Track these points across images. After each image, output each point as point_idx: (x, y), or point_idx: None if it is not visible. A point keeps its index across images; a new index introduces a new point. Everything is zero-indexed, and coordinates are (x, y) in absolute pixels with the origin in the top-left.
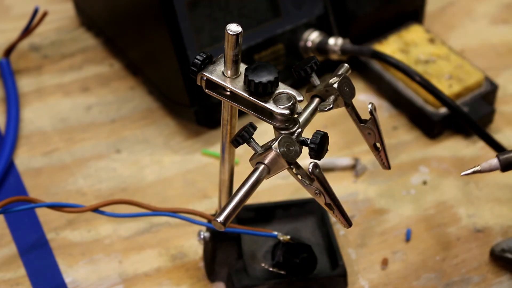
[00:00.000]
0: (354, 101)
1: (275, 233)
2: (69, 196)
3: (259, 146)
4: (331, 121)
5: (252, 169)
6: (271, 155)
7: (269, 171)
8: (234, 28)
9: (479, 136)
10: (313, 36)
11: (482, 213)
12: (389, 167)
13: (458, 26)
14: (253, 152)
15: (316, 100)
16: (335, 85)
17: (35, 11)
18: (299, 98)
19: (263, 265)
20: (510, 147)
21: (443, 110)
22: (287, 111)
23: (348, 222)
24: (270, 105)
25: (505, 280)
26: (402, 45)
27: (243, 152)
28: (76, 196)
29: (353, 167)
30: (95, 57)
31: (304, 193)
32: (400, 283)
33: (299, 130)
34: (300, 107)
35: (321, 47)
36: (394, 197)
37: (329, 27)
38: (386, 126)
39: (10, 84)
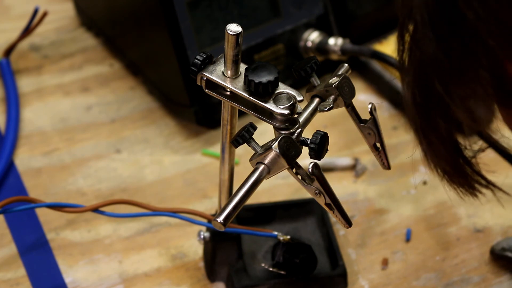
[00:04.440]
0: (354, 101)
1: (275, 233)
2: (69, 196)
3: (259, 146)
4: (331, 121)
5: (252, 169)
6: (271, 155)
7: (269, 171)
8: (234, 28)
9: (479, 136)
10: (313, 36)
11: (482, 213)
12: (389, 167)
13: None
14: (253, 152)
15: (316, 100)
16: (335, 85)
17: (35, 11)
18: (299, 98)
19: (263, 265)
20: (510, 147)
21: None
22: (287, 111)
23: (348, 222)
24: (270, 105)
25: (505, 280)
26: None
27: (243, 152)
28: (76, 196)
29: (353, 167)
30: (95, 57)
31: (304, 193)
32: (400, 283)
33: (299, 130)
34: (300, 107)
35: (321, 47)
36: (394, 197)
37: (329, 27)
38: (386, 126)
39: (10, 84)
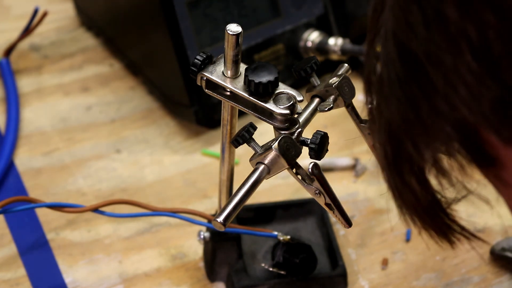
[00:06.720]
0: (354, 101)
1: (275, 233)
2: (69, 196)
3: (259, 146)
4: (331, 121)
5: (252, 169)
6: (271, 155)
7: (269, 171)
8: (234, 28)
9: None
10: (313, 36)
11: (482, 213)
12: None
13: None
14: (253, 152)
15: (316, 100)
16: (335, 85)
17: (35, 11)
18: (299, 98)
19: (263, 265)
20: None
21: None
22: (287, 111)
23: (348, 222)
24: (270, 105)
25: (505, 280)
26: None
27: (243, 152)
28: (76, 196)
29: (353, 167)
30: (95, 57)
31: (304, 193)
32: (400, 283)
33: (299, 130)
34: (300, 107)
35: (321, 47)
36: None
37: (329, 27)
38: None
39: (10, 84)
